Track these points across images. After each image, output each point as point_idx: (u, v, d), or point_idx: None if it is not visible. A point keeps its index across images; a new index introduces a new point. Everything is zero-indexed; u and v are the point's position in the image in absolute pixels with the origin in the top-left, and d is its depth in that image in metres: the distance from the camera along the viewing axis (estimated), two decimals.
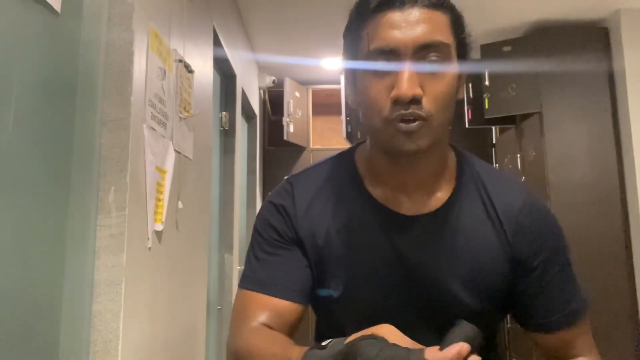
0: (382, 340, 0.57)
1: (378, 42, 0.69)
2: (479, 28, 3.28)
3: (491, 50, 3.31)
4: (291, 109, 3.91)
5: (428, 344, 0.62)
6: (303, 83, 4.19)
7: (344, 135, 3.92)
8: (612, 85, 3.05)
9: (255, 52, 3.62)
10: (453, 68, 0.71)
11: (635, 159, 2.89)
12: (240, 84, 2.89)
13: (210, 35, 2.16)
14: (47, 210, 0.96)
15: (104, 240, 1.10)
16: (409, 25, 0.67)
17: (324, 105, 4.46)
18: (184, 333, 1.65)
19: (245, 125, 3.53)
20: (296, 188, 0.82)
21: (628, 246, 2.94)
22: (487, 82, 3.33)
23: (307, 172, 0.86)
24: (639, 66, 2.95)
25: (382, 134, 0.71)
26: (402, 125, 0.68)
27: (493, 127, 3.95)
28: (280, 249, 0.79)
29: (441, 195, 0.77)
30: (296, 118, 4.01)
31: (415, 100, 0.66)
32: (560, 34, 3.14)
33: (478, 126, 3.57)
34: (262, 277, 0.78)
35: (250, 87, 3.45)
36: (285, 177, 0.87)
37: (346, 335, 0.62)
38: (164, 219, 1.38)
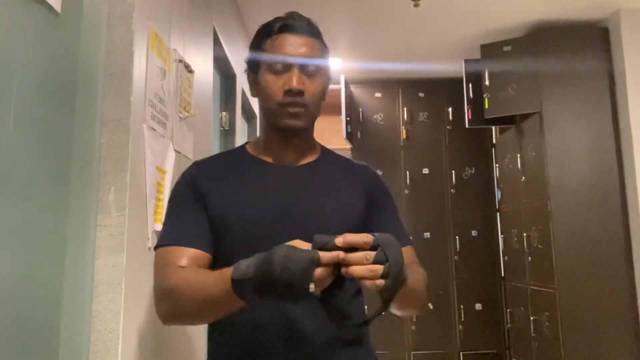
0: (291, 246, 0.77)
1: (279, 51, 1.03)
2: (479, 28, 3.28)
3: (491, 50, 3.32)
4: None
5: None
6: None
7: (344, 135, 3.92)
8: (612, 85, 3.05)
9: None
10: (323, 77, 1.07)
11: (635, 159, 2.89)
12: (240, 84, 2.88)
13: (210, 35, 2.16)
14: (47, 210, 0.96)
15: (104, 240, 1.10)
16: (298, 44, 1.03)
17: (324, 105, 4.45)
18: (184, 333, 1.65)
19: (245, 125, 3.53)
20: (199, 164, 1.10)
21: (628, 246, 2.94)
22: (487, 82, 3.34)
23: (207, 157, 1.15)
24: (639, 66, 2.95)
25: (275, 114, 1.03)
26: (290, 109, 1.02)
27: (493, 127, 3.94)
28: (189, 210, 1.01)
29: (310, 159, 1.12)
30: None
31: (300, 93, 1.01)
32: (560, 34, 3.15)
33: (478, 126, 3.57)
34: (176, 235, 0.99)
35: None
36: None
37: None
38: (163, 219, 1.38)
